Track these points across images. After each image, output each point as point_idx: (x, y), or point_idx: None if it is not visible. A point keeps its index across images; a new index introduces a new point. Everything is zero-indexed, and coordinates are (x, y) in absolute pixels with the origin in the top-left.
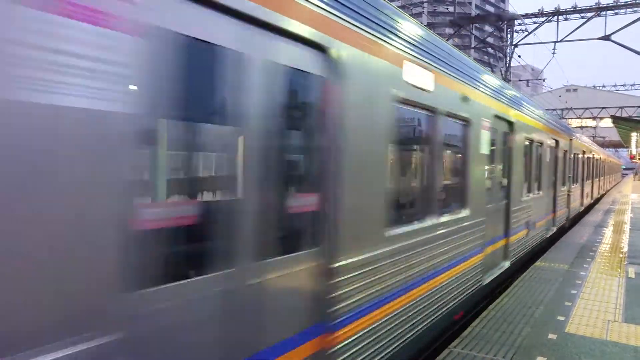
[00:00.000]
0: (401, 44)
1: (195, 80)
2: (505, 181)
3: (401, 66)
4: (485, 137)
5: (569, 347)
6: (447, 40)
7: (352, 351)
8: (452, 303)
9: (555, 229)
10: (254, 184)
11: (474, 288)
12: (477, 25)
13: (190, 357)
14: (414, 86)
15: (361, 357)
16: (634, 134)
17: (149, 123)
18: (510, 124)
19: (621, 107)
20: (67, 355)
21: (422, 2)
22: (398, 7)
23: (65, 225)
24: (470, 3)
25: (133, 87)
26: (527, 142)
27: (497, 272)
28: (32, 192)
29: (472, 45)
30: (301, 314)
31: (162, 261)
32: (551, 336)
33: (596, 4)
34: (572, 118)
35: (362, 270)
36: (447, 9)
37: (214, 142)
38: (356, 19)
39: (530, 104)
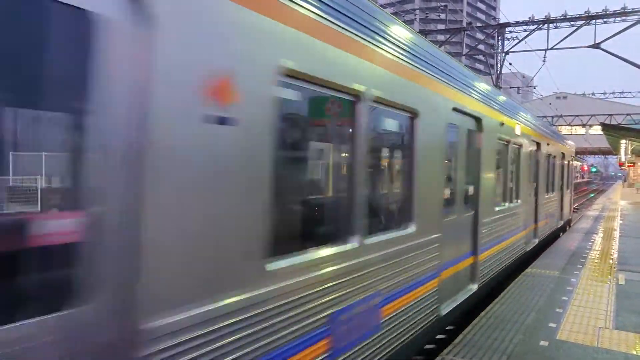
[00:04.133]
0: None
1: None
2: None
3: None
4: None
5: (560, 354)
6: (440, 46)
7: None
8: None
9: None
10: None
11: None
12: (468, 32)
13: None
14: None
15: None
16: (622, 142)
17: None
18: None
19: (610, 115)
20: None
21: (415, 10)
22: (391, 13)
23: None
24: (461, 11)
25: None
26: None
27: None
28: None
29: (464, 53)
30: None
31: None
32: (543, 343)
33: (586, 12)
34: (562, 125)
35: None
36: (439, 16)
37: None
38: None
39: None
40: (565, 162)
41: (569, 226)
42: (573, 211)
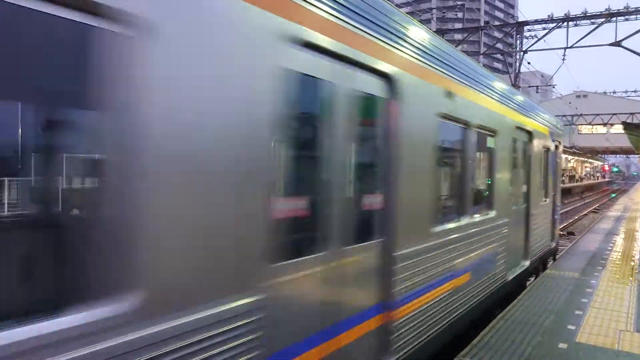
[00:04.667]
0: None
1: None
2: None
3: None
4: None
5: (580, 357)
6: (457, 46)
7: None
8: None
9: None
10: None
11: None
12: (486, 31)
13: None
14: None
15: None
16: None
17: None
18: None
19: (632, 113)
20: None
21: (431, 9)
22: (407, 13)
23: None
24: (478, 9)
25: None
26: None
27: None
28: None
29: (481, 52)
30: None
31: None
32: (562, 346)
33: (606, 9)
34: (582, 124)
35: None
36: (456, 15)
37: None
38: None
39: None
40: (537, 151)
41: (554, 258)
42: (593, 212)
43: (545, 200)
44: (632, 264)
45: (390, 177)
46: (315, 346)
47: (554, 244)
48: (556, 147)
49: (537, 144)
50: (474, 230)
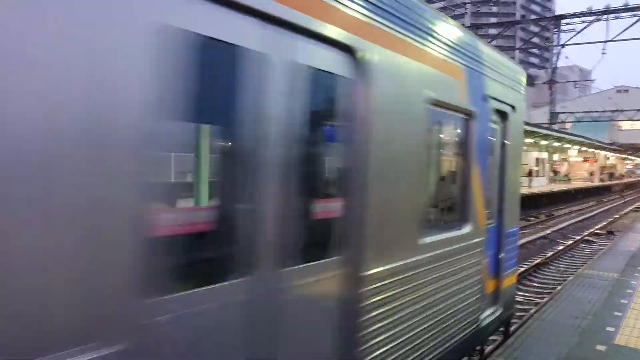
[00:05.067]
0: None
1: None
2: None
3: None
4: None
5: (618, 359)
6: (491, 41)
7: None
8: None
9: None
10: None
11: None
12: (522, 25)
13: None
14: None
15: None
16: None
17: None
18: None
19: None
20: None
21: (465, 3)
22: (439, 8)
23: None
24: (514, 3)
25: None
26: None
27: None
28: None
29: (517, 47)
30: None
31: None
32: (599, 348)
33: None
34: (622, 120)
35: None
36: (491, 9)
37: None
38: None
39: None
40: (411, 112)
41: (507, 332)
42: (634, 210)
43: (461, 229)
44: None
45: None
46: None
47: (496, 311)
48: (502, 114)
49: (405, 93)
50: None
